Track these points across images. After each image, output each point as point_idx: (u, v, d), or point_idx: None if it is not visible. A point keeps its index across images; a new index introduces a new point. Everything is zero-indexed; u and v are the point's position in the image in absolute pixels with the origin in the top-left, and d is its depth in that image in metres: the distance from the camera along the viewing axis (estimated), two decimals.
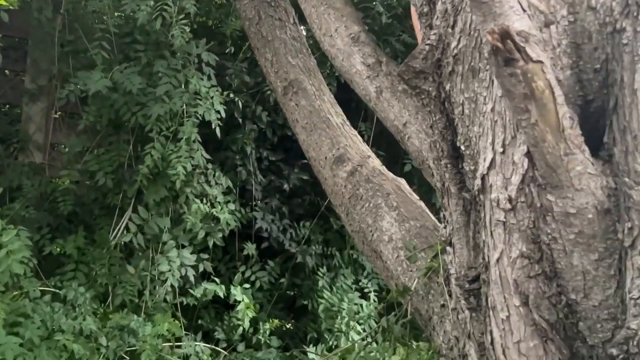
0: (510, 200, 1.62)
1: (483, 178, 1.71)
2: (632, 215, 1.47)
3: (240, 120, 4.74)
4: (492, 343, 1.71)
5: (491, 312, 1.71)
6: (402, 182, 3.04)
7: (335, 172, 3.11)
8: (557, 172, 1.52)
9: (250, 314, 4.29)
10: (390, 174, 3.08)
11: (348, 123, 3.38)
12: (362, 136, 3.82)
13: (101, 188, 4.37)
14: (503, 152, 1.64)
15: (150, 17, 4.18)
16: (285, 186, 4.99)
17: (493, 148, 1.67)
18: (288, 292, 5.03)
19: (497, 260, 1.67)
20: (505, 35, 1.43)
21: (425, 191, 4.52)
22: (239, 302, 4.31)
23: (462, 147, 1.84)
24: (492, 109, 1.68)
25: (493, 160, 1.67)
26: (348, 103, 4.57)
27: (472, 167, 1.80)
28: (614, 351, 1.49)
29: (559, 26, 1.57)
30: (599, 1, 1.54)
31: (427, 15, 2.07)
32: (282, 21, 3.59)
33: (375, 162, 3.14)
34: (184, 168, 4.05)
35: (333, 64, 3.19)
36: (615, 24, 1.53)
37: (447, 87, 1.87)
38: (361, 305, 4.69)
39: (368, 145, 3.28)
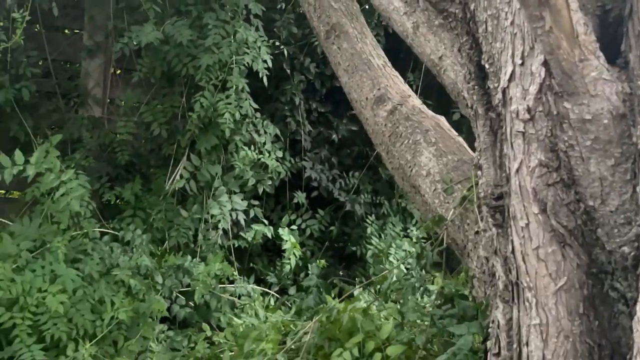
0: (528, 110, 1.66)
1: (504, 91, 1.76)
2: None
3: (288, 71, 4.82)
4: (512, 252, 1.77)
5: (512, 222, 1.77)
6: (442, 119, 3.08)
7: (375, 112, 3.18)
8: (573, 78, 1.56)
9: (297, 252, 4.43)
10: (430, 112, 3.12)
11: (390, 64, 3.42)
12: (411, 86, 3.87)
13: (156, 139, 4.55)
14: (522, 64, 1.69)
15: None
16: (334, 137, 5.08)
17: (513, 61, 1.71)
18: (338, 240, 5.14)
19: (517, 171, 1.72)
20: None
21: (473, 139, 4.52)
22: (286, 241, 4.45)
23: (487, 65, 1.88)
24: (512, 22, 1.72)
25: (513, 73, 1.71)
26: (397, 53, 4.60)
27: (496, 84, 1.84)
28: (626, 249, 1.53)
29: None
30: None
31: None
32: None
33: (416, 101, 3.19)
34: (232, 116, 4.17)
35: (372, 3, 3.23)
36: None
37: (472, 7, 1.91)
38: (409, 252, 4.76)
39: (417, 95, 3.31)
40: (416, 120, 3.03)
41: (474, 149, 3.01)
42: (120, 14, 4.70)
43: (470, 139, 4.40)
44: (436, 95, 5.04)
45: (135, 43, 4.29)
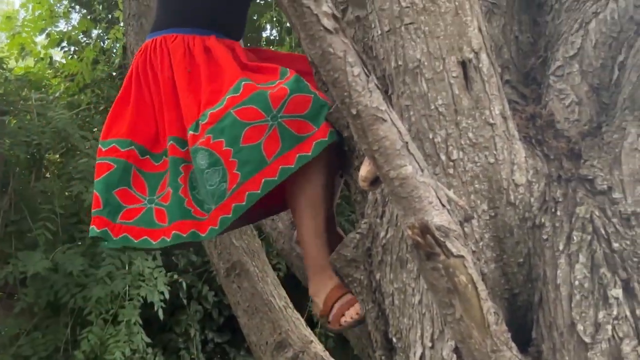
0: None
1: None
2: None
3: (184, 301, 4.63)
4: None
5: None
6: None
7: (276, 359, 3.00)
8: None
9: None
10: None
11: (291, 306, 3.31)
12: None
13: None
14: (432, 347, 1.60)
15: None
16: None
17: (422, 342, 1.62)
18: None
19: None
20: (425, 230, 1.44)
21: None
22: None
23: (394, 340, 1.79)
24: (420, 301, 1.65)
25: (423, 355, 1.62)
26: (298, 282, 4.53)
27: None
28: None
29: (481, 220, 1.59)
30: (518, 197, 1.57)
31: (359, 203, 2.10)
32: None
33: (318, 348, 3.05)
34: (123, 354, 3.87)
35: (276, 246, 3.18)
36: (534, 219, 1.55)
37: (378, 277, 1.85)
38: None
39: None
40: None
41: None
42: (7, 238, 4.47)
43: None
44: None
45: (21, 271, 4.03)
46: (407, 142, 1.43)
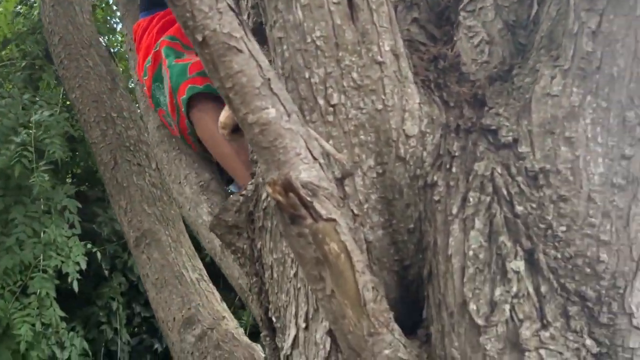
0: None
1: (287, 359, 1.39)
2: None
3: (107, 272, 4.33)
4: None
5: None
6: (257, 348, 2.69)
7: (183, 336, 2.74)
8: (362, 356, 1.21)
9: None
10: (245, 339, 2.72)
11: (206, 278, 3.04)
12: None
13: None
14: (306, 328, 1.34)
15: (10, 161, 3.86)
16: (157, 346, 4.52)
17: (296, 322, 1.37)
18: None
19: None
20: (288, 187, 1.17)
21: None
22: None
23: (274, 319, 1.53)
24: (296, 274, 1.39)
25: (296, 338, 1.37)
26: None
27: (282, 344, 1.48)
28: None
29: (366, 178, 1.32)
30: (409, 150, 1.31)
31: (255, 163, 1.83)
32: (141, 166, 3.32)
33: (230, 325, 2.79)
34: (32, 328, 3.57)
35: (182, 212, 2.90)
36: (426, 177, 1.30)
37: (259, 245, 1.59)
38: None
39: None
40: (227, 349, 2.62)
41: None
42: None
43: None
44: None
45: None
46: (269, 79, 1.16)
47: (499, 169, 1.23)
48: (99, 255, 4.14)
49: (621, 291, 1.19)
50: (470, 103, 1.33)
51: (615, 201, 1.18)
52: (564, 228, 1.19)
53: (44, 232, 3.81)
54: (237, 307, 4.48)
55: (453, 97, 1.35)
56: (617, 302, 1.19)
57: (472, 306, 1.17)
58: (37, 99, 4.35)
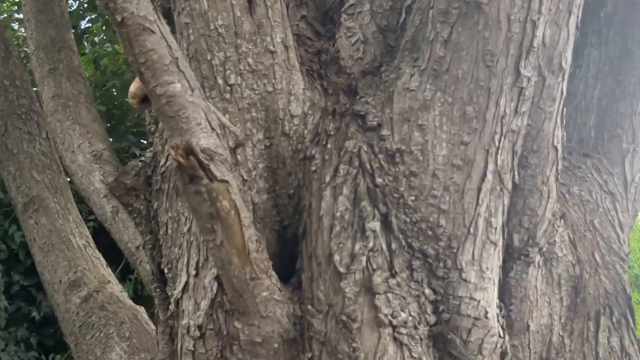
0: (199, 327, 1.51)
1: (177, 303, 1.60)
2: (313, 345, 1.43)
3: None
4: None
5: None
6: (141, 310, 2.85)
7: (68, 298, 2.86)
8: (244, 297, 1.45)
9: None
10: (129, 301, 2.88)
11: (93, 245, 3.16)
12: None
13: None
14: (196, 275, 1.56)
15: None
16: (35, 314, 4.55)
17: (187, 270, 1.58)
18: None
19: None
20: (189, 151, 1.38)
21: None
22: None
23: (166, 270, 1.74)
24: (189, 229, 1.60)
25: (187, 284, 1.58)
26: None
27: (173, 292, 1.69)
28: None
29: (255, 149, 1.56)
30: (293, 128, 1.56)
31: (153, 134, 2.01)
32: (31, 135, 3.37)
33: (115, 288, 2.94)
34: None
35: (73, 180, 3.01)
36: (306, 151, 1.55)
37: (155, 206, 1.78)
38: None
39: None
40: (112, 310, 2.77)
41: None
42: None
43: None
44: None
45: None
46: (177, 58, 1.36)
47: (365, 147, 1.49)
48: None
49: (455, 251, 1.49)
50: (346, 92, 1.60)
51: (454, 178, 1.48)
52: (412, 198, 1.47)
53: None
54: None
55: (332, 85, 1.61)
56: (450, 260, 1.49)
57: (336, 257, 1.44)
58: None
